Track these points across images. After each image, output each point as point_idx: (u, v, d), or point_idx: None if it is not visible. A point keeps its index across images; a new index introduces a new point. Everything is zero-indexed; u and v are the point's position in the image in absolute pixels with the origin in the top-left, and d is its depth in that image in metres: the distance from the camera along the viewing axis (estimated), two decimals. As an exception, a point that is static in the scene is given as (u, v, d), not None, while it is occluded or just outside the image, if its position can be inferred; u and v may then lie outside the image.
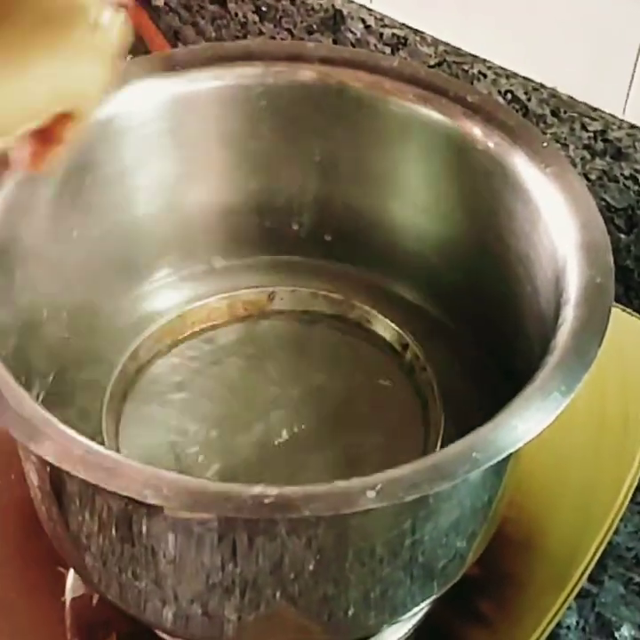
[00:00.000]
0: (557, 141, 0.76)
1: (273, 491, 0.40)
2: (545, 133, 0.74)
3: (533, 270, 0.53)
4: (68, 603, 0.58)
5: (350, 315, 0.62)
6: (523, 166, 0.54)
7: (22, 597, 0.58)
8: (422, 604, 0.52)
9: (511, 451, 0.43)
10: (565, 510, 0.62)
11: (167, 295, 0.64)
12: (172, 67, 0.58)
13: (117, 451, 0.56)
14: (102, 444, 0.56)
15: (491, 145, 0.55)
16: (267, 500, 0.40)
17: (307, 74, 0.59)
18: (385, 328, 0.61)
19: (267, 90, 0.59)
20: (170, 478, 0.41)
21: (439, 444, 0.56)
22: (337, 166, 0.61)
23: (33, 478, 0.51)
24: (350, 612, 0.48)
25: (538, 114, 0.74)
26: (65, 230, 0.57)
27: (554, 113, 0.73)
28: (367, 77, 0.58)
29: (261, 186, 0.63)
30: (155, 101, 0.58)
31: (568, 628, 0.60)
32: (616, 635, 0.60)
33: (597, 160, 0.76)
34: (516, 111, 0.76)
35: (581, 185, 0.52)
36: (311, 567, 0.45)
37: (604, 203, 0.76)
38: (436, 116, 0.57)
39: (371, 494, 0.40)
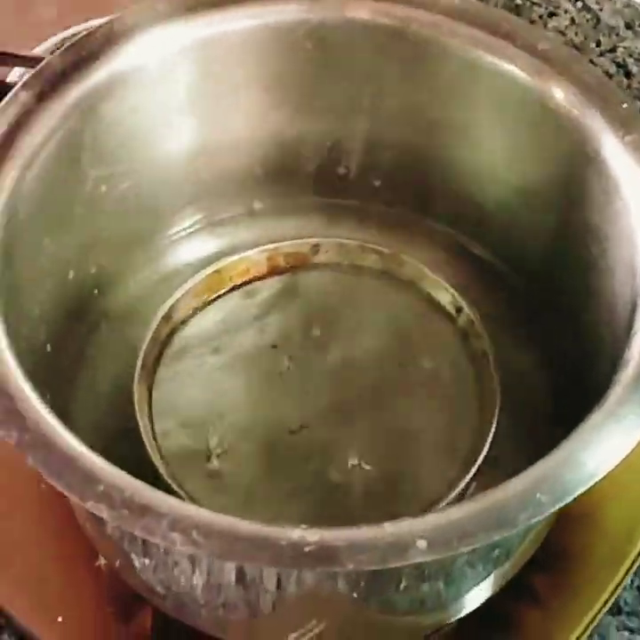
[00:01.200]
0: (631, 56, 0.70)
1: (313, 536, 0.37)
2: (616, 47, 0.68)
3: (608, 247, 0.48)
4: (101, 570, 0.56)
5: (400, 271, 0.57)
6: (598, 132, 0.48)
7: (57, 565, 0.56)
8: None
9: (580, 491, 0.39)
10: (625, 484, 0.58)
11: (204, 244, 0.60)
12: (195, 7, 0.53)
13: (151, 425, 0.53)
14: (133, 415, 0.53)
15: (562, 103, 0.49)
16: (307, 549, 0.36)
17: (359, 11, 0.53)
18: (437, 288, 0.57)
19: (312, 30, 0.53)
20: (200, 519, 0.38)
21: (494, 421, 0.53)
22: (387, 111, 0.56)
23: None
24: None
25: (610, 25, 0.68)
26: (93, 188, 0.53)
27: (628, 25, 0.68)
28: (425, 17, 0.52)
29: (304, 129, 0.57)
30: (179, 47, 0.53)
31: (623, 587, 0.57)
32: (672, 596, 0.58)
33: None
34: (587, 22, 0.70)
35: (666, 158, 0.46)
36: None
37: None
38: (501, 64, 0.51)
39: (421, 545, 0.36)
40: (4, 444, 0.51)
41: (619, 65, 0.73)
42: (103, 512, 0.38)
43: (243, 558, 0.37)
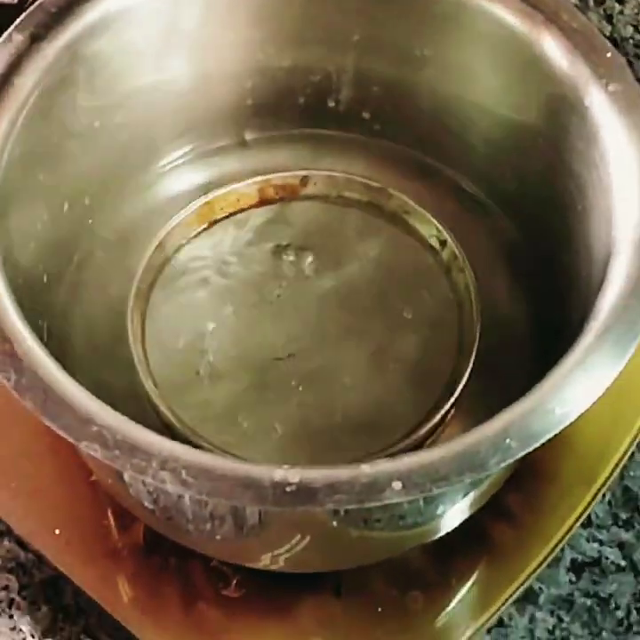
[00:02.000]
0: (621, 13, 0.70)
1: (295, 476, 0.39)
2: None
3: (585, 192, 0.50)
4: (97, 484, 0.59)
5: (387, 204, 0.59)
6: (582, 80, 0.49)
7: (54, 480, 0.59)
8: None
9: (548, 437, 0.41)
10: (598, 405, 0.60)
11: (195, 173, 0.61)
12: None
13: (143, 350, 0.55)
14: (127, 340, 0.55)
15: (549, 49, 0.50)
16: (288, 489, 0.39)
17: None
18: (423, 222, 0.58)
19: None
20: (189, 459, 0.40)
21: (474, 350, 0.55)
22: (377, 46, 0.56)
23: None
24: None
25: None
26: (87, 123, 0.54)
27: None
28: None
29: (294, 62, 0.58)
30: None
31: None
32: (641, 508, 0.61)
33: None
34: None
35: (646, 109, 0.47)
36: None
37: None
38: (490, 7, 0.51)
39: (397, 486, 0.39)
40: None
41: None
42: (97, 452, 0.40)
43: (229, 497, 0.40)
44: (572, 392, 0.42)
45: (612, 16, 0.72)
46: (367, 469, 0.40)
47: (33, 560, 0.59)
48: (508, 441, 0.40)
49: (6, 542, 0.59)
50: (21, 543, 0.59)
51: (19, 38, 0.50)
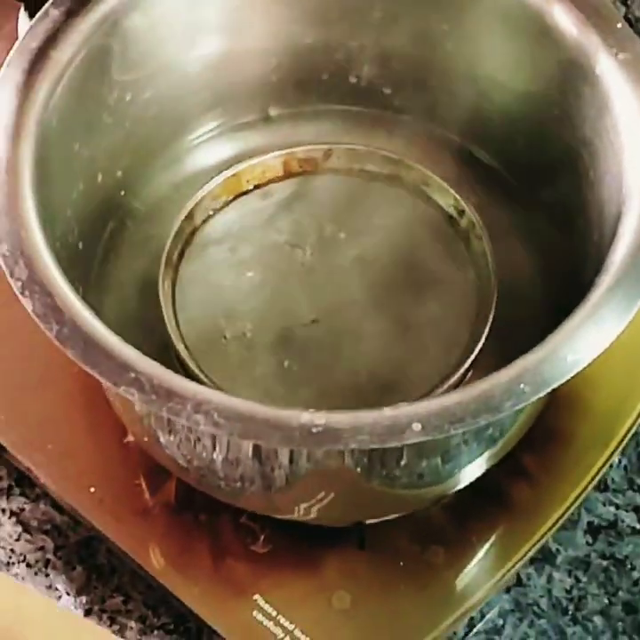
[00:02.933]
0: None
1: (320, 419, 0.41)
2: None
3: (597, 159, 0.52)
4: (130, 445, 0.61)
5: (407, 176, 0.61)
6: (594, 49, 0.51)
7: (89, 440, 0.61)
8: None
9: (560, 382, 0.43)
10: (614, 366, 0.61)
11: (222, 147, 0.63)
12: None
13: (174, 314, 0.58)
14: (159, 307, 0.57)
15: (561, 20, 0.52)
16: (314, 430, 0.41)
17: None
18: (442, 192, 0.60)
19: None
20: (220, 402, 0.42)
21: (491, 316, 0.57)
22: (398, 24, 0.58)
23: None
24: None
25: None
26: (120, 96, 0.57)
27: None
28: None
29: (317, 41, 0.60)
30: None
31: (610, 466, 0.62)
32: (657, 474, 0.62)
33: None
34: None
35: (655, 77, 0.49)
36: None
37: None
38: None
39: (416, 427, 0.41)
40: (40, 333, 0.55)
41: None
42: (134, 396, 0.42)
43: (258, 438, 0.42)
44: (583, 341, 0.44)
45: (627, -3, 0.73)
46: (389, 412, 0.42)
47: (67, 522, 0.61)
48: (521, 386, 0.42)
49: (42, 505, 0.62)
50: (56, 506, 0.62)
51: (55, 13, 0.53)
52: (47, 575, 0.60)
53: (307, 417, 0.42)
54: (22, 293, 0.46)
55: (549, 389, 0.43)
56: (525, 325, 0.57)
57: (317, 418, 0.42)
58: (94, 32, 0.53)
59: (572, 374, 0.43)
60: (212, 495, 0.55)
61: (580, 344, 0.44)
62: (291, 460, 0.47)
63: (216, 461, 0.50)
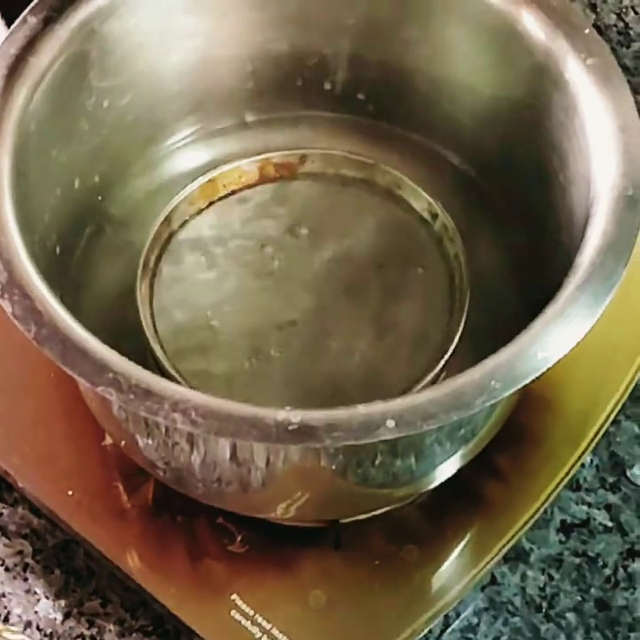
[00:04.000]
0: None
1: (296, 417, 0.42)
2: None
3: (566, 161, 0.53)
4: (107, 448, 0.62)
5: (381, 180, 0.62)
6: (562, 54, 0.52)
7: (67, 444, 0.62)
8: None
9: (530, 379, 0.44)
10: (584, 367, 0.63)
11: (199, 153, 0.64)
12: None
13: (151, 318, 0.58)
14: (136, 311, 0.58)
15: (530, 26, 0.53)
16: (290, 428, 0.42)
17: None
18: (415, 196, 0.61)
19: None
20: (198, 401, 0.43)
21: (464, 317, 0.58)
22: (370, 30, 0.59)
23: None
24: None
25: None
26: (97, 103, 0.57)
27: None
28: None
29: (292, 46, 0.61)
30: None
31: (582, 465, 0.62)
32: (628, 473, 0.63)
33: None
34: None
35: (622, 82, 0.50)
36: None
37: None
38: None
39: (390, 424, 0.42)
40: (19, 337, 0.56)
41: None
42: (112, 396, 0.43)
43: (235, 435, 0.43)
44: (553, 338, 0.45)
45: (596, 4, 0.75)
46: (363, 410, 0.43)
47: (45, 526, 0.62)
48: (493, 382, 0.43)
49: (20, 509, 0.62)
50: (34, 510, 0.62)
51: (33, 20, 0.53)
52: (26, 579, 0.60)
53: (282, 415, 0.42)
54: (1, 296, 0.47)
55: (520, 386, 0.44)
56: (498, 326, 0.57)
57: (293, 415, 0.42)
58: (72, 38, 0.54)
59: (542, 371, 0.44)
60: (190, 495, 0.55)
61: (549, 341, 0.45)
62: (267, 460, 0.48)
63: (194, 463, 0.51)
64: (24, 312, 0.46)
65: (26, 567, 0.60)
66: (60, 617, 0.59)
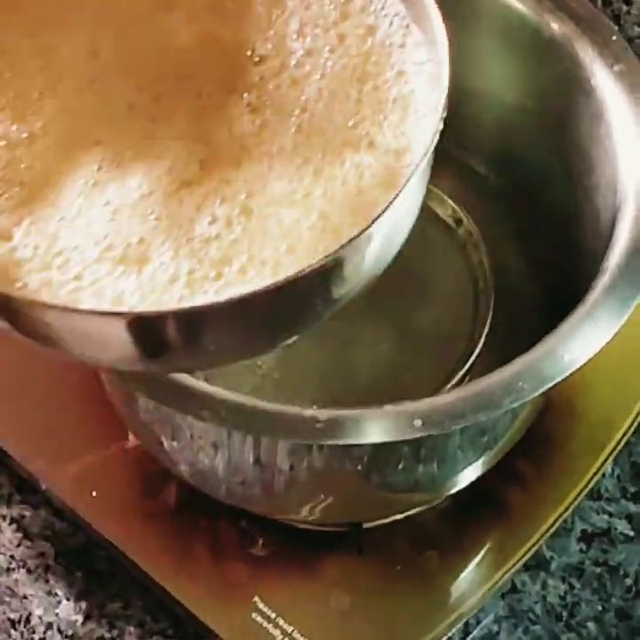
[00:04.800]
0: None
1: (324, 415, 0.42)
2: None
3: (592, 166, 0.53)
4: (131, 451, 0.62)
5: (405, 186, 0.62)
6: (589, 61, 0.52)
7: (91, 446, 0.62)
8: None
9: (557, 381, 0.44)
10: (608, 375, 0.63)
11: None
12: None
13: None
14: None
15: (558, 34, 0.53)
16: (318, 425, 0.42)
17: None
18: (440, 202, 0.61)
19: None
20: (227, 399, 0.43)
21: (488, 319, 0.58)
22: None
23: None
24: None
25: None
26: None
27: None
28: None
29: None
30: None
31: (603, 475, 0.63)
32: (650, 484, 0.63)
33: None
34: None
35: (649, 87, 0.50)
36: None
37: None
38: (504, -4, 0.55)
39: (417, 423, 0.42)
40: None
41: (618, -8, 0.77)
42: (143, 392, 0.43)
43: (263, 432, 0.43)
44: (580, 341, 0.45)
45: (620, 16, 0.75)
46: (391, 408, 0.43)
47: (67, 528, 0.62)
48: (520, 383, 0.43)
49: (42, 512, 0.62)
50: (57, 513, 0.62)
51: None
52: (47, 581, 0.60)
53: (310, 413, 0.43)
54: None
55: (548, 387, 0.44)
56: (522, 331, 0.57)
57: (321, 414, 0.43)
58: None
59: (568, 372, 0.44)
60: (214, 496, 0.55)
61: (576, 344, 0.45)
62: (291, 467, 0.49)
63: (217, 467, 0.51)
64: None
65: (47, 569, 0.61)
66: (80, 619, 0.59)
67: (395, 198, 0.41)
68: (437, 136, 0.43)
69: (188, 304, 0.37)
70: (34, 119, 0.40)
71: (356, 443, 0.43)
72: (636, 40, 0.75)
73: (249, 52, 0.43)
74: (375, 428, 0.43)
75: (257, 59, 0.43)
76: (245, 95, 0.42)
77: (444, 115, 0.43)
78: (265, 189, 0.40)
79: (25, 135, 0.39)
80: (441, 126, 0.42)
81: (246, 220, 0.40)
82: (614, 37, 0.52)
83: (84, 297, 0.38)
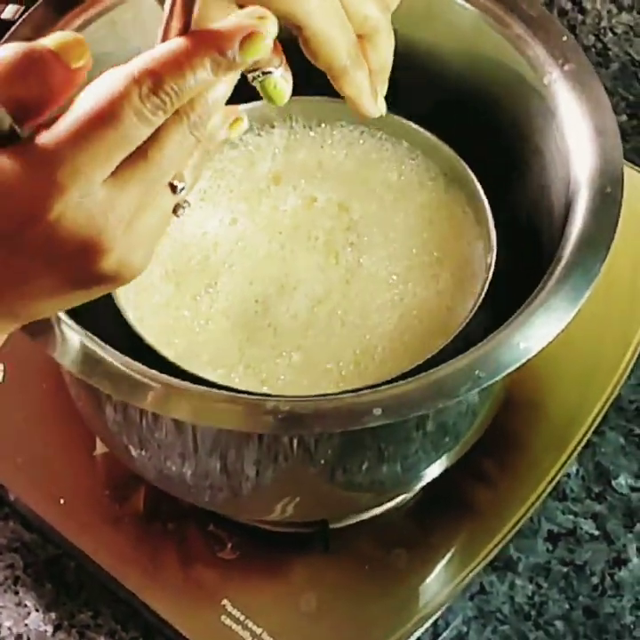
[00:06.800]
0: (585, -4, 0.75)
1: (285, 406, 0.43)
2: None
3: (546, 165, 0.54)
4: (98, 458, 0.62)
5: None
6: (540, 60, 0.53)
7: (57, 452, 0.63)
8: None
9: (513, 368, 0.45)
10: (569, 373, 0.65)
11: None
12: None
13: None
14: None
15: (510, 35, 0.55)
16: (280, 416, 0.43)
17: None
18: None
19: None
20: (191, 392, 0.44)
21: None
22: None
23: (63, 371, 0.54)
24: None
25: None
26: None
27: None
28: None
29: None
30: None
31: (568, 476, 0.64)
32: (613, 483, 0.64)
33: (624, 15, 0.75)
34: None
35: (598, 86, 0.51)
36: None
37: (628, 57, 0.75)
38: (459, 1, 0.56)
39: (377, 412, 0.43)
40: (11, 348, 0.56)
41: (573, 2, 0.78)
42: (107, 388, 0.44)
43: (227, 424, 0.43)
44: (535, 329, 0.46)
45: (575, 26, 0.76)
46: (350, 399, 0.44)
47: (36, 540, 0.62)
48: (477, 372, 0.44)
49: (11, 523, 0.62)
50: (26, 524, 0.62)
51: (25, 31, 0.53)
52: (16, 592, 0.60)
53: (272, 404, 0.43)
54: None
55: (503, 374, 0.44)
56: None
57: (282, 405, 0.43)
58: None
59: (524, 360, 0.45)
60: (182, 498, 0.56)
61: (531, 332, 0.46)
62: (257, 473, 0.49)
63: (185, 474, 0.52)
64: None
65: (16, 580, 0.61)
66: (50, 629, 0.59)
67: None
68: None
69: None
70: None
71: (317, 433, 0.43)
72: (590, 49, 0.77)
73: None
74: (336, 417, 0.43)
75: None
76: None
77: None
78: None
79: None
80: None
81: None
82: (565, 38, 0.53)
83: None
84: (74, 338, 0.45)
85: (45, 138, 0.38)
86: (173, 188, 0.41)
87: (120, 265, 0.40)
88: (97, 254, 0.39)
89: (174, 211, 0.42)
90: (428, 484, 0.58)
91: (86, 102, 0.38)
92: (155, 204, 0.40)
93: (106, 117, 0.38)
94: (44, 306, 0.41)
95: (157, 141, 0.39)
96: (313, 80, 0.60)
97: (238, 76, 0.41)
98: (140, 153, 0.39)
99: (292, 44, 0.59)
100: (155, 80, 0.38)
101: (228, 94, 0.41)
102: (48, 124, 0.38)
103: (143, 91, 0.38)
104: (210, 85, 0.39)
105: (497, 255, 0.53)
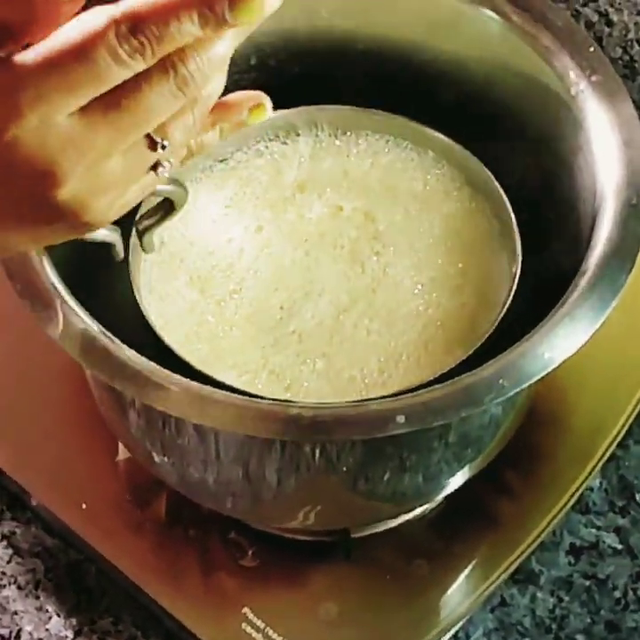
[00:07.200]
0: (611, 5, 0.75)
1: (308, 413, 0.43)
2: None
3: (573, 175, 0.54)
4: (121, 463, 0.63)
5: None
6: (567, 71, 0.53)
7: (80, 457, 0.63)
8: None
9: (537, 378, 0.45)
10: (593, 386, 0.65)
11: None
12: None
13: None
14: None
15: (537, 46, 0.55)
16: (302, 423, 0.43)
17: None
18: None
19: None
20: (213, 397, 0.44)
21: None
22: (387, 50, 0.60)
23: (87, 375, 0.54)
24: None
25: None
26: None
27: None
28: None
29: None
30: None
31: (591, 489, 0.63)
32: (637, 497, 0.64)
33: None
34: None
35: (626, 97, 0.51)
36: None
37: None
38: (484, 11, 0.56)
39: (400, 419, 0.43)
40: (34, 354, 0.56)
41: (600, 14, 0.78)
42: (130, 391, 0.44)
43: (248, 431, 0.43)
44: (559, 339, 0.46)
45: (602, 37, 0.76)
46: (374, 406, 0.44)
47: (58, 545, 0.62)
48: (501, 381, 0.44)
49: (33, 528, 0.63)
50: (47, 529, 0.63)
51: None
52: (37, 597, 0.61)
53: (295, 410, 0.43)
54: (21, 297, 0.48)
55: (527, 384, 0.44)
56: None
57: (305, 411, 0.43)
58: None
59: (548, 370, 0.45)
60: (204, 504, 0.56)
61: (556, 342, 0.46)
62: (279, 482, 0.50)
63: (207, 480, 0.52)
64: (45, 311, 0.47)
65: (38, 585, 0.61)
66: (71, 635, 0.60)
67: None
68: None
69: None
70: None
71: (340, 439, 0.43)
72: (617, 62, 0.77)
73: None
74: (358, 424, 0.43)
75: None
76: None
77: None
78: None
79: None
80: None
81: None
82: (591, 48, 0.53)
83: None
84: (100, 341, 0.45)
85: (16, 60, 0.37)
86: (153, 143, 0.40)
87: (76, 201, 0.39)
88: (50, 183, 0.38)
89: (154, 168, 0.41)
90: (451, 494, 0.58)
91: (64, 34, 0.37)
92: (127, 153, 0.39)
93: (77, 50, 0.37)
94: (11, 237, 0.40)
95: (136, 88, 0.38)
96: (340, 89, 0.63)
97: (240, 41, 0.39)
98: (115, 95, 0.38)
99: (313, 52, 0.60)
100: (135, 22, 0.37)
101: (228, 57, 0.39)
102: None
103: (121, 30, 0.37)
104: (206, 43, 0.38)
105: (521, 265, 0.53)
